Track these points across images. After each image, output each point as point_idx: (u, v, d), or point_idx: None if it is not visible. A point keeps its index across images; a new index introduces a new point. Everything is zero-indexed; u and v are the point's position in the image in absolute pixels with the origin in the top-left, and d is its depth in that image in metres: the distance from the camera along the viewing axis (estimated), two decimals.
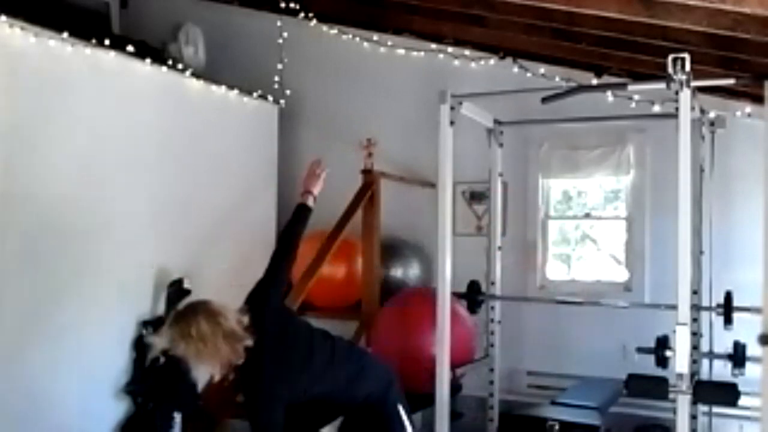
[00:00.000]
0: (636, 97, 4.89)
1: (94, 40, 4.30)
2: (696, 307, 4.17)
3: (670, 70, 3.25)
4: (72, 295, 4.15)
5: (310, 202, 3.09)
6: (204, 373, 2.59)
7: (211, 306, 2.53)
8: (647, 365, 3.62)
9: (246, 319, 2.55)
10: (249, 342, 2.51)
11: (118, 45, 4.49)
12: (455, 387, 4.50)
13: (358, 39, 5.94)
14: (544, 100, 3.86)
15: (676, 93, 3.31)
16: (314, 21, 5.95)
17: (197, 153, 5.07)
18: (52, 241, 4.05)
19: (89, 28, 4.48)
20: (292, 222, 3.04)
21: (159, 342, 2.52)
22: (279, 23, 6.00)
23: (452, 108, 4.07)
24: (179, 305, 2.83)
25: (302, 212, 3.05)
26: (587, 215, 5.69)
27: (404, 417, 2.90)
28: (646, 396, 3.83)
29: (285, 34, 6.01)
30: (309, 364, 2.69)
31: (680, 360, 3.20)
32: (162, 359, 4.46)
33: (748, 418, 4.19)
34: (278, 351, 2.62)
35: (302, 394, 2.67)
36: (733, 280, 4.37)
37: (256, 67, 5.97)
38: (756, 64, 3.89)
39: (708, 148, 4.59)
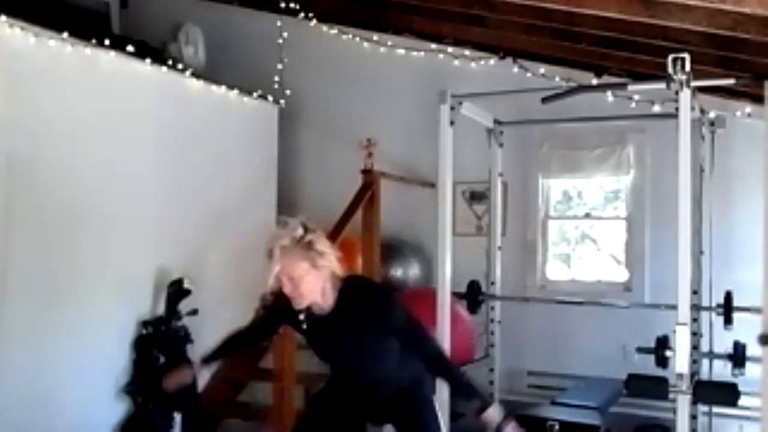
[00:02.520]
0: (636, 97, 4.89)
1: (94, 40, 4.30)
2: (696, 307, 4.17)
3: (670, 70, 3.26)
4: (72, 295, 4.15)
5: (485, 415, 2.56)
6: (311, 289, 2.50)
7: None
8: (647, 365, 3.63)
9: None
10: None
11: (118, 45, 4.49)
12: None
13: (358, 39, 5.94)
14: (544, 100, 3.86)
15: (676, 93, 3.31)
16: (314, 21, 5.95)
17: (197, 153, 5.07)
18: (52, 241, 4.05)
19: (89, 28, 4.48)
20: (461, 382, 2.70)
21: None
22: (279, 23, 6.00)
23: (452, 108, 4.08)
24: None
25: (466, 388, 2.68)
26: (587, 215, 5.70)
27: (438, 411, 2.89)
28: (646, 396, 3.84)
29: (285, 34, 6.01)
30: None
31: (680, 360, 3.20)
32: (162, 359, 4.48)
33: (748, 418, 4.18)
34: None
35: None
36: (733, 280, 4.37)
37: (256, 67, 5.96)
38: (756, 64, 3.89)
39: (708, 148, 4.59)
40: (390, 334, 2.60)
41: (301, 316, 2.61)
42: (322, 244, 2.54)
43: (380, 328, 2.58)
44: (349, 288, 2.57)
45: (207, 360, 2.99)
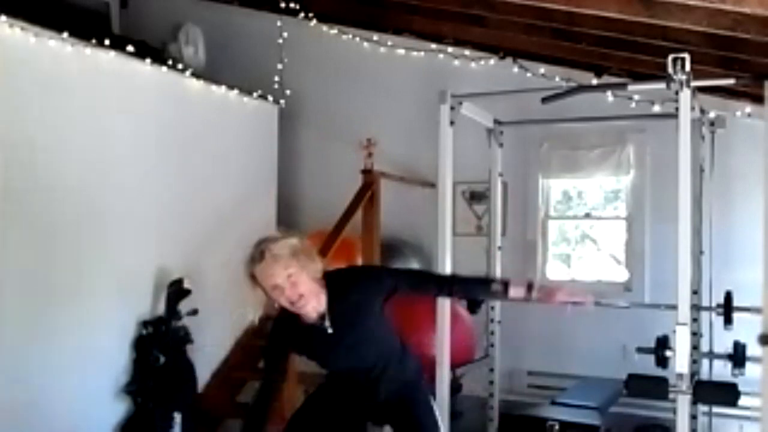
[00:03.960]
0: (636, 97, 4.89)
1: (94, 40, 4.29)
2: (696, 307, 4.17)
3: (670, 70, 3.26)
4: (72, 295, 4.15)
5: (512, 292, 2.65)
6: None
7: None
8: (647, 365, 3.63)
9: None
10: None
11: (118, 45, 4.49)
12: (455, 387, 4.50)
13: (358, 39, 5.95)
14: (544, 100, 3.86)
15: (676, 93, 3.31)
16: (314, 21, 5.95)
17: (197, 153, 5.07)
18: (52, 241, 4.05)
19: (89, 28, 4.48)
20: (480, 282, 2.82)
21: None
22: (279, 23, 6.00)
23: (452, 108, 4.08)
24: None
25: (493, 288, 2.74)
26: (587, 215, 5.70)
27: (436, 411, 2.89)
28: (646, 396, 3.84)
29: (285, 34, 6.01)
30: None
31: (680, 360, 3.20)
32: (162, 359, 4.48)
33: (748, 418, 4.19)
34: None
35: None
36: (733, 280, 4.38)
37: (256, 67, 5.96)
38: (756, 64, 3.89)
39: (708, 148, 4.59)
40: (389, 294, 2.60)
41: (311, 321, 2.53)
42: (307, 244, 2.55)
43: (377, 299, 2.59)
44: (332, 282, 2.55)
45: None
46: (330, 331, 2.54)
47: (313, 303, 2.49)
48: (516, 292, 2.64)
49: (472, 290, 2.83)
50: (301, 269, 2.44)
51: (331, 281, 2.55)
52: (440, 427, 2.85)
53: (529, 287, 2.66)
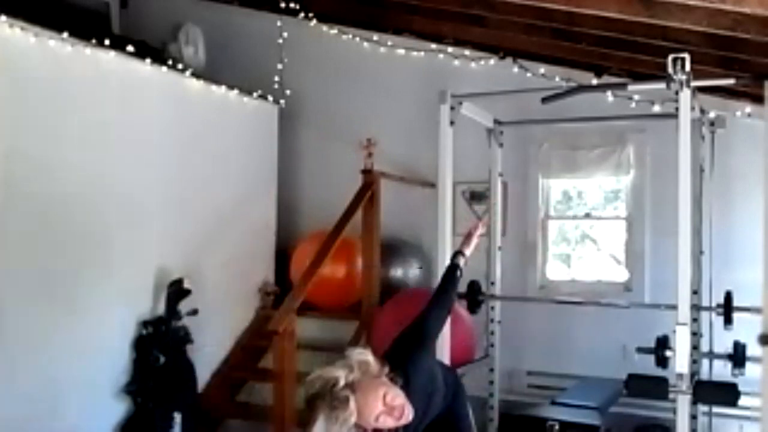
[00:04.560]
0: (636, 97, 4.89)
1: (94, 40, 4.30)
2: (696, 307, 4.17)
3: (670, 70, 3.25)
4: (72, 295, 4.15)
5: (461, 262, 2.97)
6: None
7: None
8: (647, 365, 3.62)
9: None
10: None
11: (118, 45, 4.49)
12: None
13: (358, 39, 5.95)
14: (544, 100, 3.86)
15: (676, 93, 3.31)
16: (314, 21, 5.95)
17: (197, 153, 5.07)
18: (52, 241, 4.05)
19: (89, 28, 4.48)
20: (445, 283, 2.93)
21: None
22: (279, 23, 6.00)
23: (452, 108, 4.08)
24: None
25: (454, 273, 2.94)
26: (587, 215, 5.69)
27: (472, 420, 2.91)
28: (646, 396, 3.84)
29: (285, 34, 6.01)
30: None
31: (680, 360, 3.20)
32: (162, 359, 4.48)
33: (748, 418, 4.18)
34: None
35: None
36: (733, 280, 4.37)
37: (256, 67, 5.97)
38: (756, 64, 3.89)
39: (708, 148, 4.59)
40: (426, 354, 2.56)
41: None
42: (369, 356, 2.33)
43: (431, 363, 2.59)
44: (399, 369, 2.38)
45: None
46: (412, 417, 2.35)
47: (408, 405, 2.30)
48: (465, 260, 2.99)
49: (450, 283, 2.91)
50: (386, 378, 2.28)
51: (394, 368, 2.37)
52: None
53: (467, 236, 3.07)
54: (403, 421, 2.26)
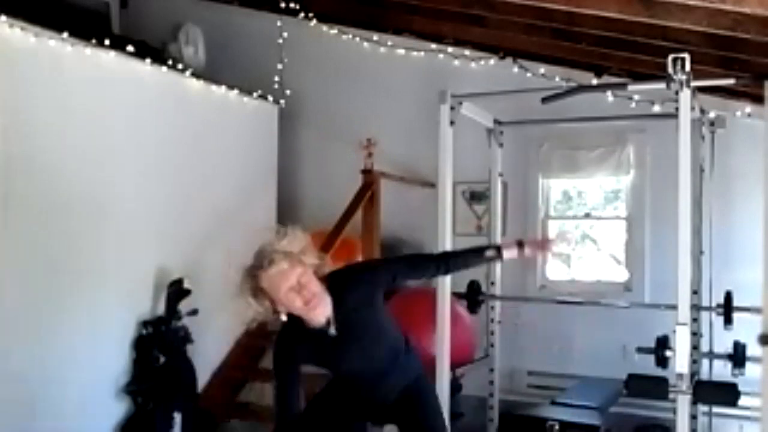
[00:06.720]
0: (636, 97, 4.89)
1: (94, 40, 4.30)
2: (696, 307, 4.17)
3: (670, 70, 3.25)
4: (72, 295, 4.15)
5: (506, 254, 2.71)
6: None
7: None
8: (647, 365, 3.62)
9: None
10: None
11: (118, 45, 4.49)
12: (455, 387, 4.50)
13: (358, 39, 5.95)
14: (544, 100, 3.86)
15: (676, 93, 3.31)
16: (314, 21, 5.96)
17: (197, 153, 5.07)
18: (52, 241, 4.05)
19: (89, 28, 4.48)
20: (457, 253, 2.87)
21: None
22: (279, 23, 6.00)
23: (452, 108, 4.07)
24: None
25: (487, 255, 2.73)
26: (587, 215, 5.70)
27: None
28: (646, 396, 3.83)
29: (285, 34, 6.01)
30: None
31: (680, 360, 3.20)
32: (162, 359, 4.48)
33: (748, 418, 4.18)
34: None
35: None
36: (733, 280, 4.37)
37: (256, 67, 5.97)
38: (756, 64, 3.89)
39: (708, 148, 4.59)
40: (389, 285, 2.58)
41: (318, 325, 2.45)
42: (311, 241, 2.50)
43: (377, 294, 2.56)
44: (333, 284, 2.49)
45: None
46: (337, 333, 2.47)
47: (323, 304, 2.43)
48: (509, 253, 2.71)
49: (468, 261, 2.81)
50: (310, 267, 2.41)
51: (331, 283, 2.49)
52: (445, 424, 2.85)
53: (520, 244, 2.73)
54: (311, 309, 2.37)
